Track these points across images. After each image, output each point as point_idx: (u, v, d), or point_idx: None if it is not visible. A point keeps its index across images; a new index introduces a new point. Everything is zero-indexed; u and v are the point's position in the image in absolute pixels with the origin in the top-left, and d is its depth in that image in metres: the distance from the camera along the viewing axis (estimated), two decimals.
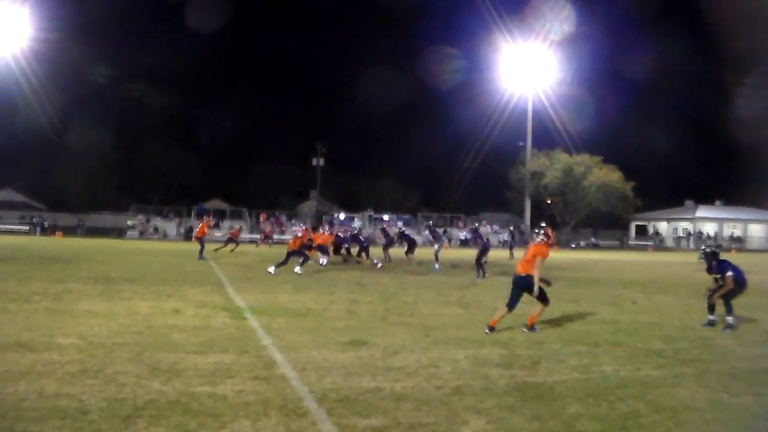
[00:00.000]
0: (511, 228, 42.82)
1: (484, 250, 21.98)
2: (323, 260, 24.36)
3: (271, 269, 20.62)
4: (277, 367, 7.42)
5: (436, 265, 25.09)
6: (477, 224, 25.68)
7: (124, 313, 11.13)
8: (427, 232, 35.38)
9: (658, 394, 6.86)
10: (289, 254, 21.35)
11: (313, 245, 23.53)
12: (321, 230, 26.77)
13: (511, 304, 10.35)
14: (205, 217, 35.99)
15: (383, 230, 33.08)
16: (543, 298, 10.48)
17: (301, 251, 21.63)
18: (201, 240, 28.09)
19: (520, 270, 10.52)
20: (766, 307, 14.50)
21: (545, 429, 5.68)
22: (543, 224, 12.98)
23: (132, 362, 7.43)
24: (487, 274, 21.23)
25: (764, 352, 9.52)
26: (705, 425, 5.98)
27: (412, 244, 27.62)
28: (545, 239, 10.85)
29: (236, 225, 36.79)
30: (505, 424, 5.74)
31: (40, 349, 7.92)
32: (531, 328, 10.49)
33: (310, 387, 6.64)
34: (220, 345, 8.54)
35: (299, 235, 22.65)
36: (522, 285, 10.42)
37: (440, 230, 30.95)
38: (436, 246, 27.19)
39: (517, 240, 48.20)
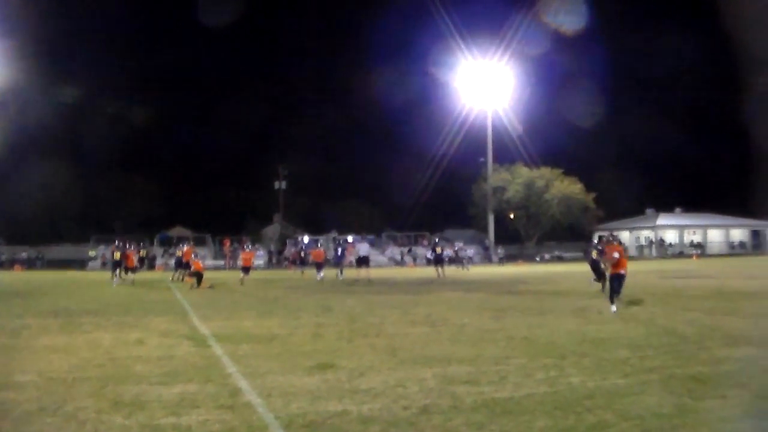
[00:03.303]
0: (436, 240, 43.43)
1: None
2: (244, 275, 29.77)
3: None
4: (243, 395, 7.32)
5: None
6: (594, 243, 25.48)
7: (85, 346, 10.92)
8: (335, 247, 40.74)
9: (625, 402, 6.88)
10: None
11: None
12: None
13: None
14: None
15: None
16: None
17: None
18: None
19: None
20: (727, 311, 14.71)
21: None
22: None
23: (93, 397, 7.27)
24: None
25: (727, 355, 9.60)
26: (672, 431, 6.01)
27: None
28: None
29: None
30: None
31: None
32: None
33: (276, 413, 6.54)
34: (185, 375, 8.41)
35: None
36: None
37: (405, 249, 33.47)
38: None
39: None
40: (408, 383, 7.82)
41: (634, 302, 17.33)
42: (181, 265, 29.01)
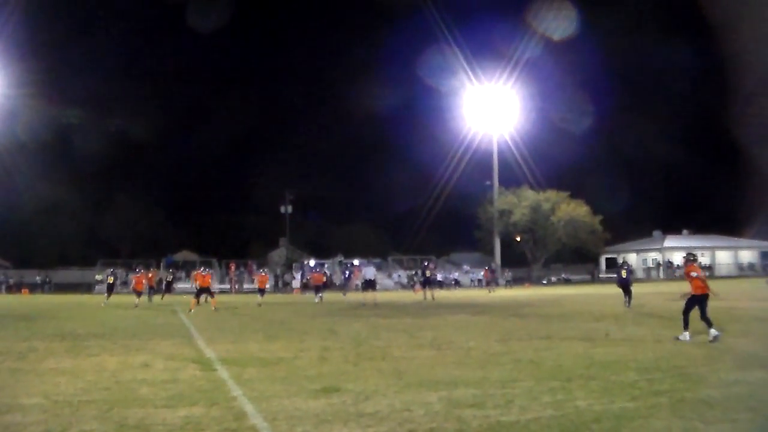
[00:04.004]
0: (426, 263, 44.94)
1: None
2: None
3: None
4: (248, 419, 7.28)
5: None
6: (625, 264, 26.58)
7: (91, 369, 10.89)
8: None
9: (633, 426, 6.82)
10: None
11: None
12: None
13: None
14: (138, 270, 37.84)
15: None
16: None
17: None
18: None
19: None
20: (738, 333, 14.62)
21: None
22: None
23: (99, 420, 7.24)
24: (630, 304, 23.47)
25: (738, 378, 9.52)
26: None
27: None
28: None
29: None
30: None
31: (2, 411, 7.70)
32: None
33: None
34: (190, 398, 8.38)
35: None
36: None
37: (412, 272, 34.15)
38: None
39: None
40: (414, 407, 7.76)
41: (640, 325, 17.25)
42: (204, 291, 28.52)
